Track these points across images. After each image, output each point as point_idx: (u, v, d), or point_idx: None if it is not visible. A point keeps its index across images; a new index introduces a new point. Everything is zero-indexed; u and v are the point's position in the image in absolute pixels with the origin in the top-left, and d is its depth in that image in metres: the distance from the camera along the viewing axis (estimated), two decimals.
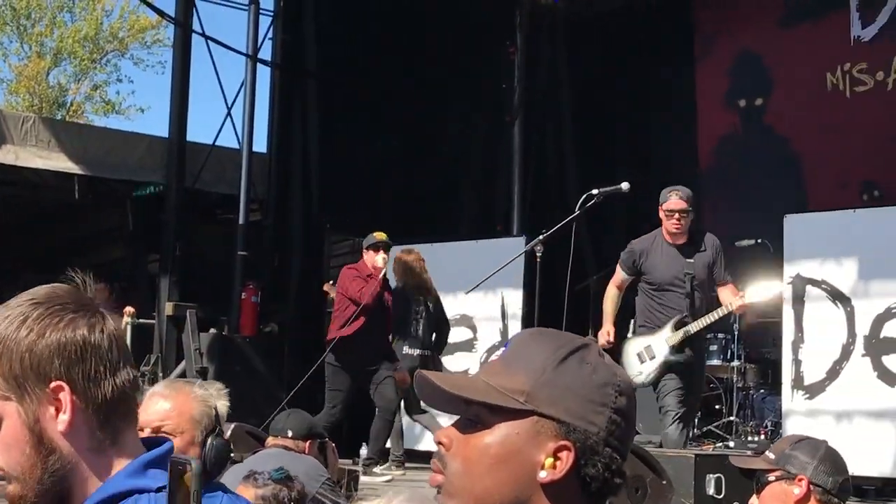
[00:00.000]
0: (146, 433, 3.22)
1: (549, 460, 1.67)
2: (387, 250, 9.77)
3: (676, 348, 8.16)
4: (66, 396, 1.80)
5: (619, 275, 8.54)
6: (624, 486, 1.72)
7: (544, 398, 1.68)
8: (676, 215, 8.18)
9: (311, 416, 6.42)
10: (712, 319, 8.16)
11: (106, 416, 1.83)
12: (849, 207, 9.57)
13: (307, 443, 6.10)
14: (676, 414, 8.13)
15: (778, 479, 3.63)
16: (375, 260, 9.72)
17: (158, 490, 1.79)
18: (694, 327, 8.13)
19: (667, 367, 8.20)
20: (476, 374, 1.77)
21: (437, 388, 1.73)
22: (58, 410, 1.80)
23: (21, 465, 1.80)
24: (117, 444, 1.85)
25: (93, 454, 1.83)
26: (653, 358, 8.25)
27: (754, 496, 3.71)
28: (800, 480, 3.60)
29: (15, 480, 1.81)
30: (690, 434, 8.42)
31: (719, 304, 8.22)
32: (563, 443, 1.67)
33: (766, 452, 3.76)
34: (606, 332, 8.38)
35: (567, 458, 1.67)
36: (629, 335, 8.62)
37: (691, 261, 8.23)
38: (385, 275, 9.80)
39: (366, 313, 9.62)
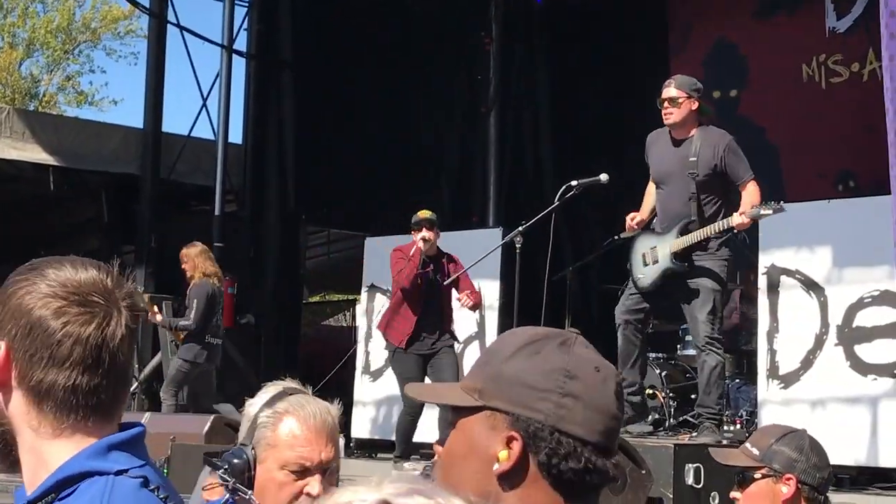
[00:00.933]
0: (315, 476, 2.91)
1: (504, 452, 1.68)
2: (430, 227, 9.37)
3: (677, 256, 7.56)
4: (1, 353, 1.81)
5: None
6: (601, 474, 1.70)
7: (493, 392, 1.71)
8: (665, 104, 7.61)
9: None
10: (710, 233, 7.45)
11: (40, 400, 1.81)
12: (825, 198, 9.63)
13: None
14: (702, 342, 7.55)
15: (764, 476, 3.53)
16: (416, 239, 9.43)
17: (118, 473, 1.77)
18: (693, 237, 7.50)
19: (665, 276, 7.66)
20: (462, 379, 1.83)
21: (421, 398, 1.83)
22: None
23: None
24: (82, 425, 1.82)
25: (32, 432, 1.82)
26: (655, 262, 7.73)
27: (736, 490, 3.61)
28: (788, 479, 3.50)
29: None
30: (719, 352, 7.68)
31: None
32: (510, 433, 1.69)
33: (748, 446, 3.63)
34: (631, 217, 7.88)
35: (515, 448, 1.68)
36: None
37: (694, 158, 7.55)
38: (424, 253, 9.36)
39: (406, 295, 9.45)
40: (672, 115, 7.60)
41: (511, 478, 1.69)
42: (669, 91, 7.62)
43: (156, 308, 11.21)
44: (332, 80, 14.01)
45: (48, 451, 1.81)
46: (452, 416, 1.76)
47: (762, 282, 8.95)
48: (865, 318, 8.40)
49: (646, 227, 7.94)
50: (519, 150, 15.13)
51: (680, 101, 7.58)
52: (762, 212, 7.30)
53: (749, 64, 13.86)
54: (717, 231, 7.47)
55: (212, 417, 8.57)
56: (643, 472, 6.93)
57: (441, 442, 1.79)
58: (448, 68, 14.82)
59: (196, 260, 10.68)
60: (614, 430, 1.74)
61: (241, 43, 14.05)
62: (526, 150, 15.18)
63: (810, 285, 8.68)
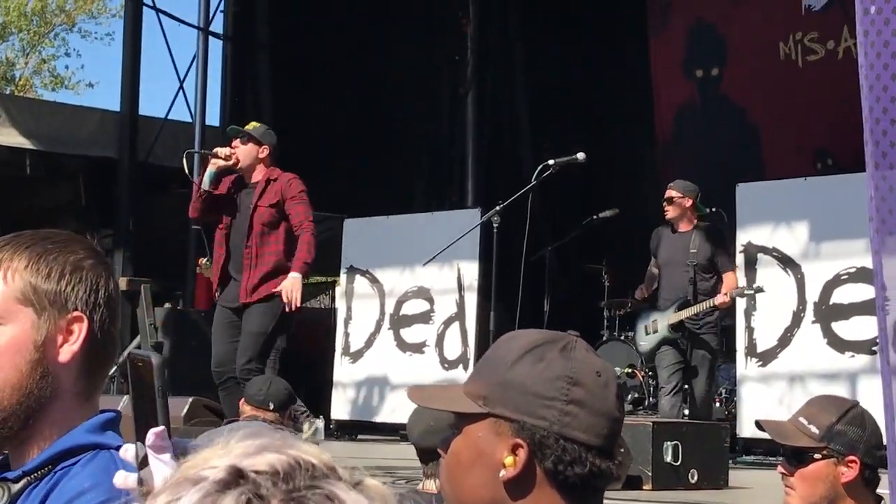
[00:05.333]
0: None
1: (509, 459, 1.72)
2: (244, 140, 8.48)
3: (674, 327, 8.80)
4: (81, 329, 1.82)
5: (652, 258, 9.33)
6: (605, 477, 1.74)
7: (497, 399, 1.74)
8: (665, 203, 8.88)
9: (285, 382, 6.26)
10: (698, 309, 8.70)
11: (93, 366, 1.85)
12: (804, 176, 9.67)
13: (285, 414, 6.00)
14: (671, 389, 8.77)
15: (825, 457, 3.24)
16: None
17: (118, 448, 1.79)
18: (686, 313, 8.74)
19: (661, 343, 8.90)
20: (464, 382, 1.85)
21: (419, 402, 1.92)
22: (65, 341, 1.81)
23: (11, 379, 1.79)
24: (91, 399, 1.87)
25: (72, 398, 1.83)
26: (655, 332, 8.93)
27: (786, 468, 3.30)
28: (851, 462, 3.23)
29: None
30: (683, 409, 9.02)
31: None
32: (516, 441, 1.72)
33: (804, 422, 3.31)
34: (641, 289, 9.38)
35: (521, 455, 1.71)
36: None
37: (694, 250, 8.81)
38: (214, 174, 8.60)
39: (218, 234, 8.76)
40: (670, 211, 8.90)
41: (518, 484, 1.72)
42: (668, 192, 8.95)
43: None
44: (309, 61, 13.97)
45: (72, 418, 1.83)
46: (457, 421, 1.79)
47: (739, 259, 8.98)
48: (842, 295, 8.43)
49: (651, 302, 9.25)
50: (497, 131, 15.11)
51: (676, 200, 8.86)
52: (746, 292, 8.65)
53: (728, 43, 13.87)
54: (705, 308, 8.73)
55: (190, 399, 8.54)
56: (621, 450, 6.95)
57: (444, 445, 1.82)
58: (426, 50, 14.78)
59: None
60: (616, 432, 1.78)
61: (217, 25, 14.00)
62: (504, 130, 15.16)
63: (787, 262, 8.71)
